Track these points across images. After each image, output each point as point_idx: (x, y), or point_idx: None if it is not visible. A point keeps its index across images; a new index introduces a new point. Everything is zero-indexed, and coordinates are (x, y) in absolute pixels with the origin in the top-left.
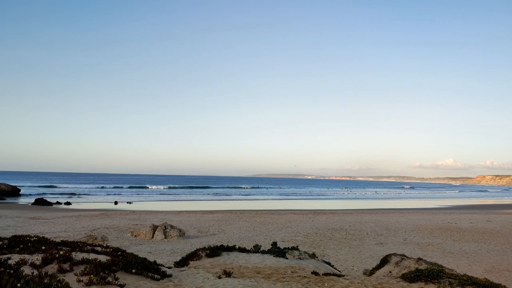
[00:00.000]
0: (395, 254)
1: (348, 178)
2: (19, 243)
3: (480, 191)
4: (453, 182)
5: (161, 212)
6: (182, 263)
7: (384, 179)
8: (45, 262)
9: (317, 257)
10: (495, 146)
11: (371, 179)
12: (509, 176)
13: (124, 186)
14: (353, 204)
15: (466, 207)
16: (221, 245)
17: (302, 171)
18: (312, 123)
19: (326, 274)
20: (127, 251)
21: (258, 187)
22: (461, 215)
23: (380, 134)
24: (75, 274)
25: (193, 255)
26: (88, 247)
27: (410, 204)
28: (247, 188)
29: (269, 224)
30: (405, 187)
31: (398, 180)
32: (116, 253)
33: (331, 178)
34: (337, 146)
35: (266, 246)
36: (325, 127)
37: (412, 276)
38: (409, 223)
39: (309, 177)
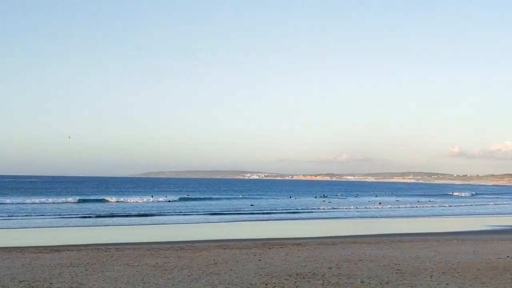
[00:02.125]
0: None
1: (327, 178)
2: None
3: None
4: None
5: None
6: None
7: (396, 179)
8: None
9: None
10: None
11: (371, 178)
12: None
13: None
14: (337, 226)
15: None
16: None
17: (241, 165)
18: (259, 84)
19: None
20: None
21: (151, 198)
22: None
23: (387, 102)
24: None
25: None
26: None
27: (441, 225)
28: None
29: (175, 270)
30: (455, 193)
31: (421, 181)
32: None
33: (295, 177)
34: (308, 123)
35: None
36: (285, 90)
37: None
38: (439, 259)
39: (255, 177)
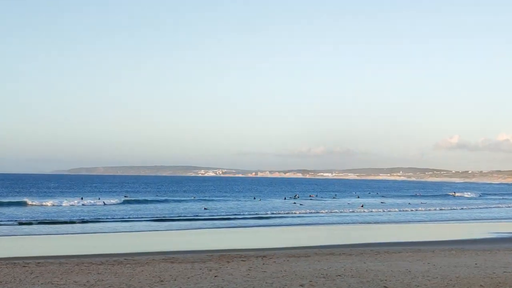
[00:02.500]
0: None
1: (300, 175)
2: None
3: None
4: None
5: None
6: None
7: (383, 176)
8: None
9: None
10: None
11: (352, 175)
12: None
13: None
14: (311, 235)
15: None
16: None
17: (194, 160)
18: (219, 68)
19: None
20: None
21: (81, 200)
22: None
23: (371, 86)
24: None
25: None
26: None
27: (436, 232)
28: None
29: None
30: (457, 194)
31: (413, 178)
32: None
33: (261, 174)
34: (277, 110)
35: None
36: (248, 75)
37: None
38: (434, 274)
39: (210, 174)
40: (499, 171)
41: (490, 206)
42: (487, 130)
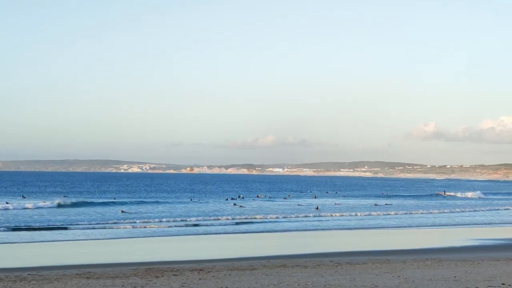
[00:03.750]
0: None
1: (245, 171)
2: None
3: None
4: None
5: None
6: None
7: (345, 172)
8: None
9: None
10: None
11: (308, 171)
12: None
13: None
14: (257, 243)
15: None
16: None
17: (114, 153)
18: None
19: None
20: None
21: None
22: None
23: (330, 68)
24: None
25: None
26: None
27: (408, 239)
28: None
29: None
30: (448, 193)
31: (381, 174)
32: None
33: (197, 170)
34: (215, 93)
35: None
36: (184, 57)
37: None
38: None
39: (135, 169)
40: (483, 165)
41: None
42: (468, 116)
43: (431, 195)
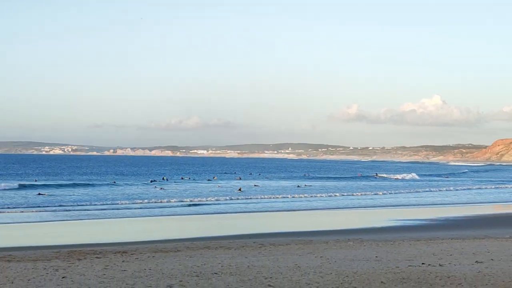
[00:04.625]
0: None
1: (169, 153)
2: None
3: None
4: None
5: None
6: None
7: (269, 153)
8: None
9: None
10: None
11: (233, 153)
12: None
13: None
14: (181, 225)
15: (470, 221)
16: None
17: (34, 134)
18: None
19: None
20: None
21: None
22: (457, 243)
23: (253, 46)
24: None
25: None
26: None
27: (330, 221)
28: None
29: None
30: (381, 175)
31: (304, 156)
32: None
33: (120, 152)
34: (139, 73)
35: None
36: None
37: None
38: (328, 269)
39: (57, 151)
40: (404, 147)
41: (458, 188)
42: (390, 99)
43: (363, 177)
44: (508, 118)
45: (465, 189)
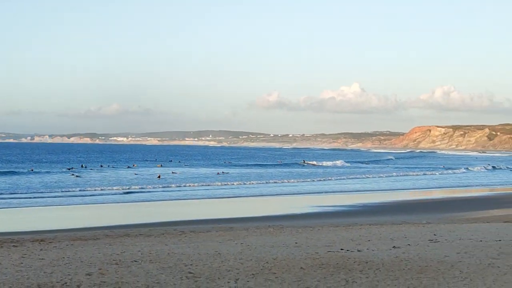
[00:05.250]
0: None
1: (88, 140)
2: None
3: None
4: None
5: None
6: None
7: (190, 141)
8: None
9: None
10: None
11: (153, 140)
12: (482, 128)
13: None
14: (99, 213)
15: (389, 207)
16: None
17: None
18: None
19: None
20: None
21: None
22: (375, 229)
23: (171, 31)
24: None
25: None
26: None
27: (251, 208)
28: None
29: None
30: (309, 162)
31: (225, 144)
32: None
33: (38, 139)
34: (56, 59)
35: None
36: None
37: None
38: (248, 255)
39: None
40: (324, 134)
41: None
42: (309, 86)
43: (291, 164)
44: (425, 106)
45: (396, 176)
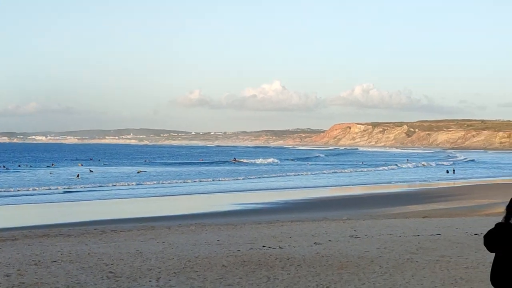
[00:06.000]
0: None
1: (5, 139)
2: None
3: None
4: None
5: None
6: None
7: (110, 139)
8: None
9: None
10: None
11: (73, 139)
12: (400, 124)
13: None
14: (15, 213)
15: (311, 204)
16: None
17: None
18: None
19: None
20: None
21: None
22: (296, 226)
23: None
24: None
25: None
26: None
27: (171, 206)
28: None
29: None
30: (236, 160)
31: (146, 142)
32: None
33: None
34: None
35: None
36: None
37: None
38: (169, 254)
39: None
40: (245, 132)
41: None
42: (231, 84)
43: (221, 162)
44: (345, 103)
45: (328, 173)
